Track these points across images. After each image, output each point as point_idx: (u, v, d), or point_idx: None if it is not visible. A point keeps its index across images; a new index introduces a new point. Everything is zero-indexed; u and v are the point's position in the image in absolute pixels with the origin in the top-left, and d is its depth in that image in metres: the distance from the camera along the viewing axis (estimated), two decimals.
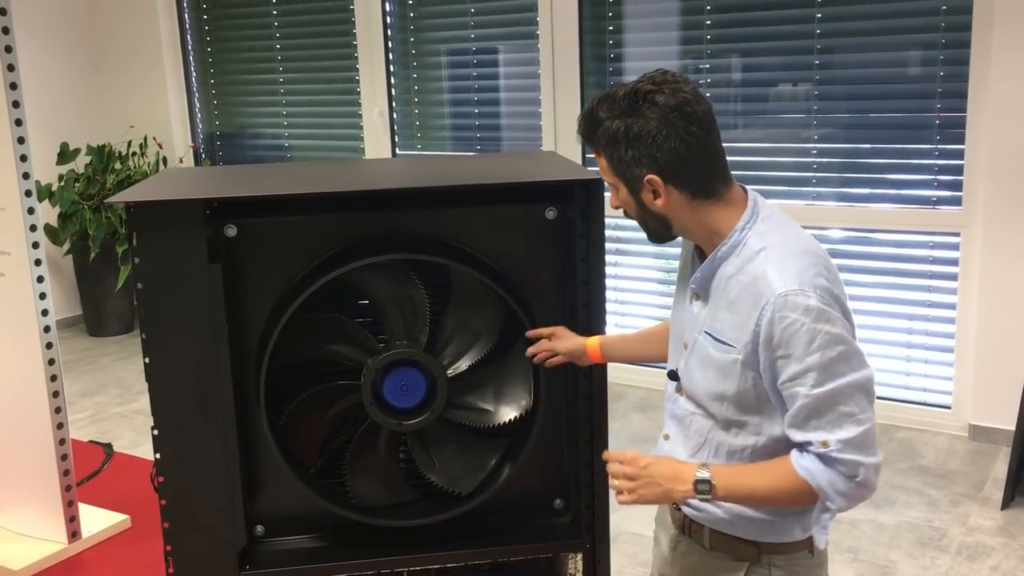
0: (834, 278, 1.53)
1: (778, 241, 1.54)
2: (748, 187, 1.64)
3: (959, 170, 3.99)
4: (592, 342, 1.77)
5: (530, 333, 1.77)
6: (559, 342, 1.77)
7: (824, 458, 1.48)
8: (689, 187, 1.54)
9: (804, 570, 1.64)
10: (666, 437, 1.75)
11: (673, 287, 1.81)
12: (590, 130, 1.58)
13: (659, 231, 1.62)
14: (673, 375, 1.70)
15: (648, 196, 1.55)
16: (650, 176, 1.52)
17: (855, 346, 1.49)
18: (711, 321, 1.59)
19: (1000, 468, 3.75)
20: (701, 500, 1.56)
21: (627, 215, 1.65)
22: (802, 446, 1.50)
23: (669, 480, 1.55)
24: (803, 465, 1.49)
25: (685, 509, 1.69)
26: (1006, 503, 3.50)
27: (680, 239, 1.71)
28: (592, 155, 1.66)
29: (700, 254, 1.65)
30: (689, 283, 1.63)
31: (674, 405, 1.71)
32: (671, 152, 1.50)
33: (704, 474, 1.53)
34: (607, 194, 1.68)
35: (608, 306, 1.83)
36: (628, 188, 1.57)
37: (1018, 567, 3.11)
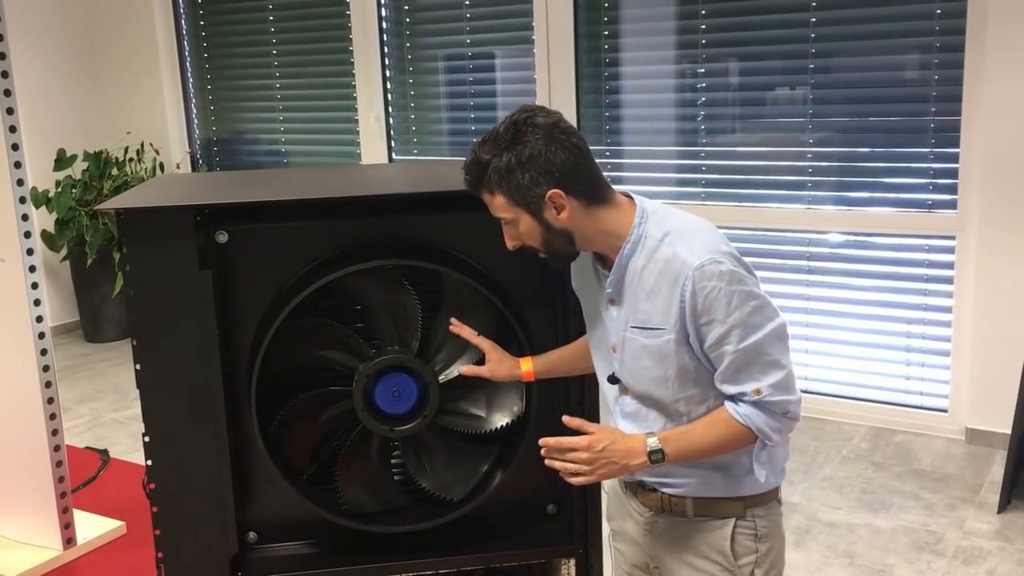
0: (730, 244, 1.66)
1: (675, 226, 1.66)
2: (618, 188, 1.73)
3: (954, 173, 3.99)
4: (526, 366, 1.86)
5: (465, 370, 1.84)
6: (496, 367, 1.83)
7: (758, 404, 1.63)
8: (584, 194, 1.63)
9: (777, 517, 1.79)
10: None
11: None
12: (479, 176, 1.64)
13: (564, 249, 1.68)
14: (612, 379, 1.76)
15: (551, 213, 1.62)
16: (551, 191, 1.60)
17: (765, 298, 1.62)
18: (633, 315, 1.67)
19: (996, 472, 3.74)
20: (654, 467, 1.67)
21: (524, 248, 1.69)
22: (735, 397, 1.64)
23: (623, 456, 1.65)
24: (741, 413, 1.63)
25: (664, 489, 1.76)
26: (1002, 507, 3.50)
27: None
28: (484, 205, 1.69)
29: (603, 263, 1.72)
30: (604, 291, 1.70)
31: (622, 406, 1.77)
32: (563, 163, 1.60)
33: (654, 443, 1.64)
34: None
35: None
36: (530, 212, 1.63)
37: (1014, 571, 3.10)
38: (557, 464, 1.66)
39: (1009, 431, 3.55)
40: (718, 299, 1.58)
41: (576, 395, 1.85)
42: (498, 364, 1.83)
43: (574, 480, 1.66)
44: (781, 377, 1.62)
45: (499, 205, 1.64)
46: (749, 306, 1.59)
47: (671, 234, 1.64)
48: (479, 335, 1.84)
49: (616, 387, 1.75)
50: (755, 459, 1.67)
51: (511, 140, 1.61)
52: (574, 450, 1.64)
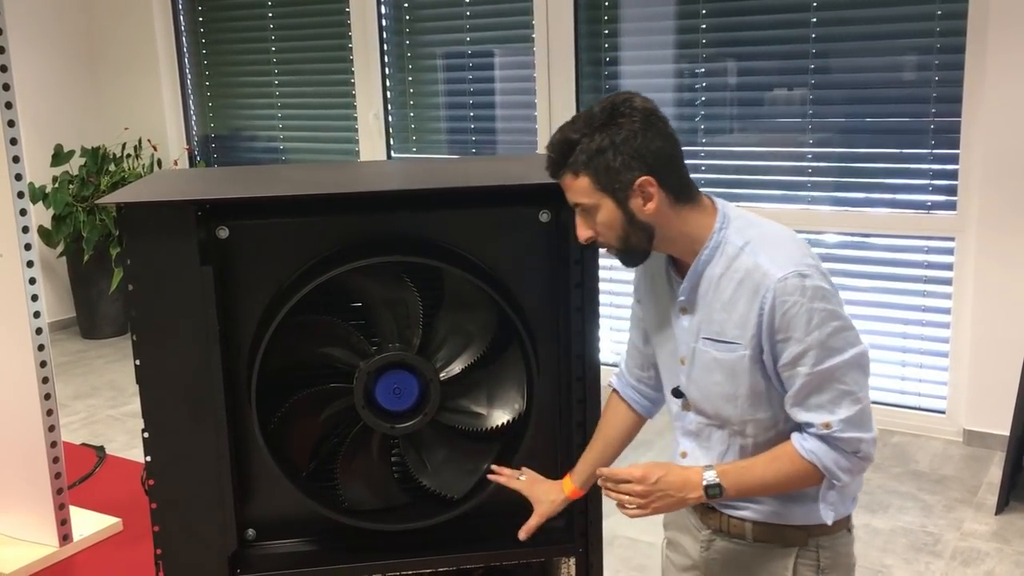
0: (816, 257, 1.58)
1: (758, 234, 1.58)
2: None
3: (954, 175, 3.99)
4: (568, 485, 1.82)
5: (500, 480, 1.83)
6: (537, 488, 1.82)
7: (827, 439, 1.52)
8: (673, 188, 1.55)
9: (844, 548, 1.68)
10: (683, 455, 1.72)
11: None
12: (564, 155, 1.55)
13: (640, 245, 1.59)
14: (677, 392, 1.69)
15: (637, 203, 1.53)
16: (642, 178, 1.52)
17: (848, 321, 1.53)
18: (707, 326, 1.59)
19: (995, 473, 3.75)
20: (711, 502, 1.60)
21: (597, 243, 1.62)
22: (803, 428, 1.55)
23: (679, 489, 1.58)
24: (807, 448, 1.54)
25: (725, 510, 1.68)
26: (1000, 508, 3.50)
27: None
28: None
29: (676, 269, 1.65)
30: (676, 299, 1.63)
31: (684, 422, 1.70)
32: (658, 151, 1.52)
33: (712, 478, 1.57)
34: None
35: (601, 310, 1.83)
36: (616, 200, 1.54)
37: (1012, 572, 3.10)
38: (612, 495, 1.60)
39: (1007, 433, 3.55)
40: (798, 316, 1.49)
41: (578, 395, 1.83)
42: (535, 484, 1.82)
43: (629, 513, 1.60)
44: (855, 412, 1.52)
45: (581, 189, 1.55)
46: (830, 327, 1.50)
47: (752, 242, 1.55)
48: (520, 468, 1.83)
49: (680, 401, 1.69)
50: (821, 499, 1.58)
51: (606, 120, 1.52)
52: (629, 482, 1.58)
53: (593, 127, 1.52)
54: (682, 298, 1.62)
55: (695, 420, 1.68)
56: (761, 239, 1.56)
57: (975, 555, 3.22)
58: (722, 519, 1.70)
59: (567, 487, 1.83)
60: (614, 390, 1.91)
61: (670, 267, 1.66)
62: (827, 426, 1.52)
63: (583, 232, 1.60)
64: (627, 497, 1.59)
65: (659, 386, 1.83)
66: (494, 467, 1.84)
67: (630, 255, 1.61)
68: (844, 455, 1.53)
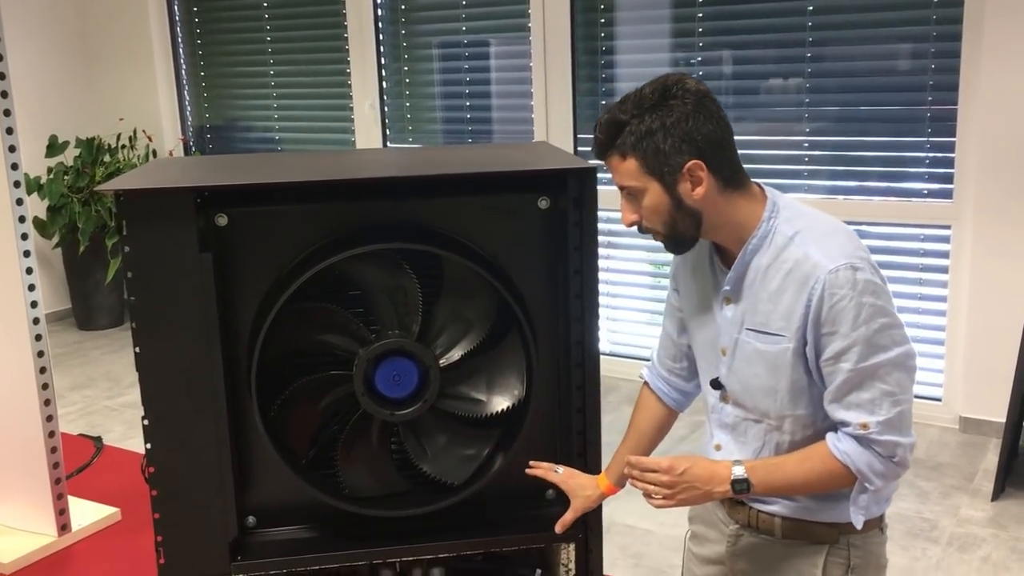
0: (867, 250, 1.54)
1: (808, 224, 1.54)
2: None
3: (950, 163, 3.99)
4: (603, 481, 1.81)
5: (538, 473, 1.83)
6: (572, 481, 1.82)
7: (862, 440, 1.49)
8: (723, 173, 1.52)
9: (876, 547, 1.65)
10: (717, 447, 1.71)
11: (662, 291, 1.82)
12: (612, 136, 1.52)
13: (687, 232, 1.55)
14: (716, 384, 1.66)
15: (686, 187, 1.50)
16: (692, 161, 1.48)
17: (897, 319, 1.49)
18: (752, 317, 1.56)
19: (990, 460, 3.76)
20: (738, 497, 1.59)
21: (643, 228, 1.58)
22: (839, 428, 1.51)
23: (706, 483, 1.56)
24: (841, 449, 1.50)
25: (754, 504, 1.65)
26: (996, 494, 3.51)
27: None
28: (608, 168, 1.58)
29: (721, 258, 1.62)
30: (720, 288, 1.60)
31: (721, 415, 1.68)
32: (709, 135, 1.49)
33: (740, 473, 1.54)
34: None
35: (600, 298, 1.83)
36: (664, 184, 1.50)
37: (1008, 558, 3.12)
38: (639, 485, 1.59)
39: (1003, 420, 3.57)
40: (846, 310, 1.45)
41: (577, 381, 1.84)
42: (571, 478, 1.81)
43: (654, 503, 1.58)
44: (894, 414, 1.47)
45: (628, 171, 1.51)
46: (877, 323, 1.46)
47: (802, 233, 1.52)
48: (559, 464, 1.83)
49: (718, 393, 1.66)
50: (852, 502, 1.54)
51: (657, 102, 1.48)
52: (656, 472, 1.56)
53: (643, 108, 1.49)
54: (727, 287, 1.59)
55: (732, 413, 1.65)
56: (811, 230, 1.53)
57: (971, 541, 3.23)
58: (750, 514, 1.66)
59: (602, 483, 1.82)
60: (645, 383, 1.90)
61: (714, 255, 1.63)
62: (864, 427, 1.48)
63: (628, 216, 1.57)
64: (653, 487, 1.57)
65: (691, 378, 1.82)
66: (532, 462, 1.84)
67: (677, 242, 1.58)
68: (879, 459, 1.49)
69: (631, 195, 1.55)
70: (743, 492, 1.55)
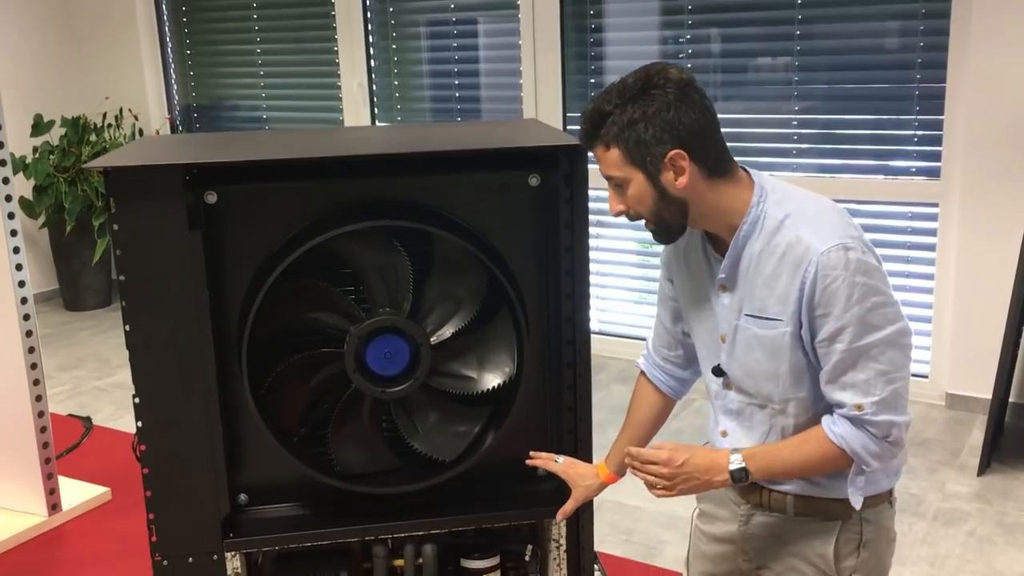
0: (860, 228, 1.55)
1: (798, 206, 1.54)
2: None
3: (938, 141, 4.00)
4: (603, 470, 1.83)
5: (535, 462, 1.86)
6: (572, 470, 1.84)
7: (857, 421, 1.50)
8: (707, 162, 1.52)
9: (887, 520, 1.66)
10: (723, 434, 1.71)
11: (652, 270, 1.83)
12: (596, 126, 1.53)
13: (674, 221, 1.56)
14: (718, 371, 1.67)
15: (669, 177, 1.51)
16: (674, 151, 1.49)
17: (890, 296, 1.50)
18: (749, 303, 1.57)
19: (976, 436, 3.79)
20: (737, 485, 1.61)
21: (631, 217, 1.59)
22: (835, 410, 1.53)
23: (705, 472, 1.57)
24: (836, 432, 1.52)
25: (768, 484, 1.66)
26: (982, 470, 3.55)
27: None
28: (595, 158, 1.59)
29: (714, 246, 1.63)
30: (716, 276, 1.61)
31: (725, 401, 1.69)
32: (691, 124, 1.49)
33: (738, 460, 1.56)
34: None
35: (590, 277, 1.83)
36: (646, 174, 1.51)
37: (993, 532, 3.15)
38: (639, 476, 1.60)
39: (989, 396, 3.59)
40: (839, 291, 1.46)
41: (568, 358, 1.84)
42: (572, 467, 1.83)
43: (655, 494, 1.60)
44: (888, 393, 1.48)
45: (612, 161, 1.52)
46: (869, 302, 1.46)
47: (792, 215, 1.52)
48: (559, 454, 1.85)
49: (720, 380, 1.67)
50: (850, 483, 1.55)
51: (639, 92, 1.48)
52: (655, 463, 1.58)
53: (626, 98, 1.50)
54: (722, 275, 1.59)
55: (736, 399, 1.66)
56: (801, 212, 1.53)
57: (957, 515, 3.26)
58: (763, 493, 1.67)
59: (602, 472, 1.84)
60: (641, 372, 1.91)
61: (707, 244, 1.63)
62: (859, 408, 1.49)
63: (615, 206, 1.58)
64: (653, 478, 1.59)
65: (687, 366, 1.84)
66: (532, 452, 1.86)
67: (665, 230, 1.58)
68: (874, 440, 1.50)
69: (617, 185, 1.56)
70: (742, 481, 1.57)
